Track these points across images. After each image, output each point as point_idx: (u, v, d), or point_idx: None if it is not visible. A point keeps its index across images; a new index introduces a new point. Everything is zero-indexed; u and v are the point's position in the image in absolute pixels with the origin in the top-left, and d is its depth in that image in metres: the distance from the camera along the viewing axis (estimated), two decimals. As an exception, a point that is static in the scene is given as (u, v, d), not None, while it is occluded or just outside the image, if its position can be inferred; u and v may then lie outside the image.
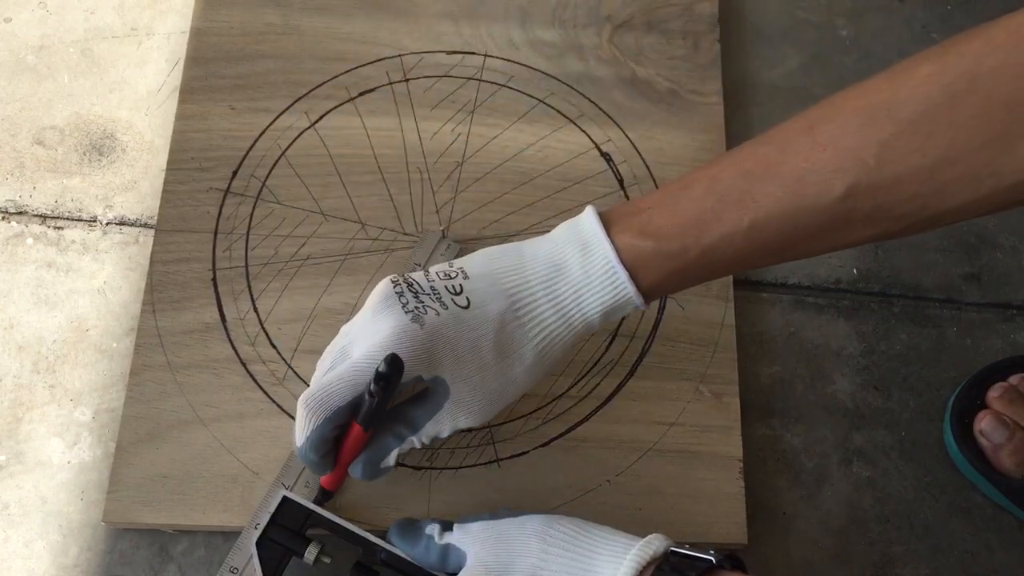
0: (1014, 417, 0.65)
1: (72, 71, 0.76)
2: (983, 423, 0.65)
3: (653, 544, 0.50)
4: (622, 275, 0.52)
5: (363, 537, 0.57)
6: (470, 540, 0.53)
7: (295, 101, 0.73)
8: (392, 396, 0.52)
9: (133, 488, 0.61)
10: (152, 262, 0.67)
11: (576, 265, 0.53)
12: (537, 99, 0.75)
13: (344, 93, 0.74)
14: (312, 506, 0.58)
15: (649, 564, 0.49)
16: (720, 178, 0.51)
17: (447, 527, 0.55)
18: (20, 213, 0.71)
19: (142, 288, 0.67)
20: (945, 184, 0.47)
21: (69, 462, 0.63)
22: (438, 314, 0.53)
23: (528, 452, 0.64)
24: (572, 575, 0.50)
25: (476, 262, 0.55)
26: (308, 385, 0.64)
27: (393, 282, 0.54)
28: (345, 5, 0.77)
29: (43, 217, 0.71)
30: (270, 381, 0.64)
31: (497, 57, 0.76)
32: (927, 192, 0.47)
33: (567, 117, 0.74)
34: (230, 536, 0.61)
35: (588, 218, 0.54)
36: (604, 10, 0.78)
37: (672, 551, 0.50)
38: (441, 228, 0.70)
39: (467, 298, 0.54)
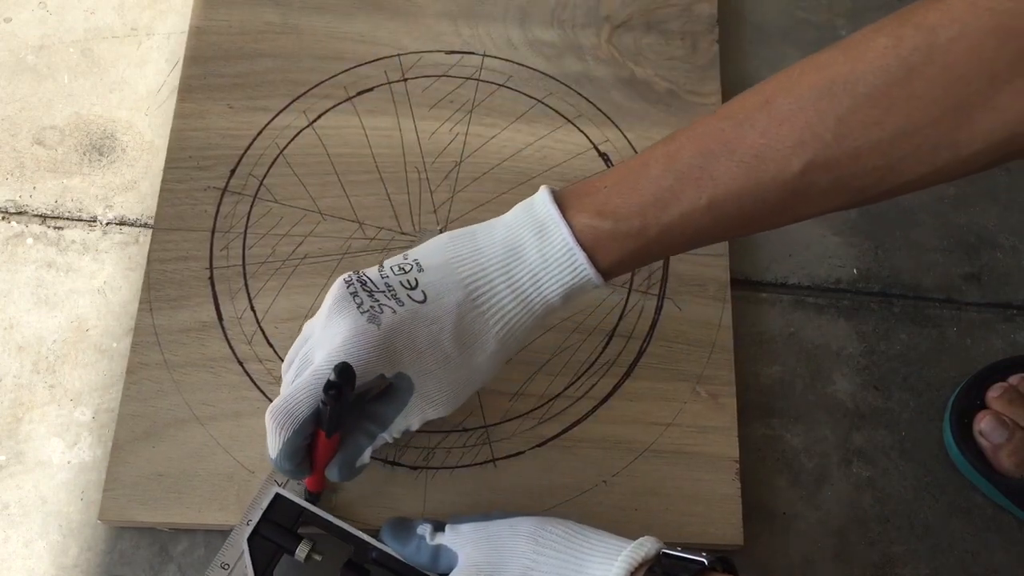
0: (1014, 417, 0.64)
1: (72, 71, 0.76)
2: (983, 423, 0.65)
3: (645, 546, 0.50)
4: (580, 257, 0.52)
5: (355, 535, 0.57)
6: (461, 541, 0.53)
7: (293, 100, 0.73)
8: (348, 401, 0.52)
9: (129, 486, 0.61)
10: (149, 260, 0.67)
11: (533, 249, 0.53)
12: (535, 99, 0.75)
13: (342, 92, 0.74)
14: (304, 503, 0.58)
15: (641, 566, 0.49)
16: (678, 156, 0.51)
17: (439, 527, 0.55)
18: (20, 213, 0.71)
19: (141, 288, 0.67)
20: (903, 157, 0.47)
21: (69, 462, 0.64)
22: (394, 311, 0.53)
23: (524, 452, 0.64)
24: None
25: (430, 251, 0.55)
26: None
27: (347, 282, 0.54)
28: (344, 5, 0.77)
29: (43, 217, 0.71)
30: (267, 380, 0.64)
31: (496, 57, 0.76)
32: (885, 165, 0.47)
33: (565, 117, 0.74)
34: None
35: (542, 199, 0.53)
36: (603, 10, 0.78)
37: (664, 553, 0.50)
38: (439, 228, 0.70)
39: (423, 292, 0.53)
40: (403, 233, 0.70)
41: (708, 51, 0.77)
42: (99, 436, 0.64)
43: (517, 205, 0.54)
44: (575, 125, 0.74)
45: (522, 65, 0.76)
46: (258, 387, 0.64)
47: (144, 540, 0.62)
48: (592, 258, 0.52)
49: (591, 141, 0.74)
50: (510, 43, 0.77)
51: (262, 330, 0.66)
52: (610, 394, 0.66)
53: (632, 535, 0.61)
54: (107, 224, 0.71)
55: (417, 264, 0.54)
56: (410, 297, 0.53)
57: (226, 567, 0.57)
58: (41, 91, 0.75)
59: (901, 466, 0.67)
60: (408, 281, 0.54)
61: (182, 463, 0.62)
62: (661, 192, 0.51)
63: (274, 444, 0.53)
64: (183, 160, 0.71)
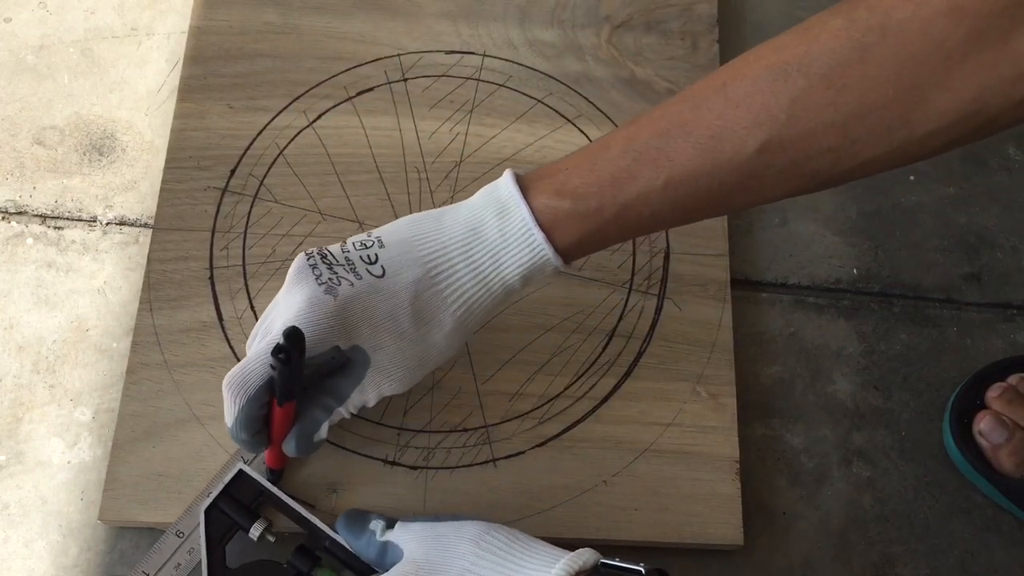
0: (1013, 417, 0.64)
1: (72, 71, 0.76)
2: (982, 423, 0.65)
3: (583, 555, 0.49)
4: (538, 237, 0.53)
5: (310, 521, 0.58)
6: (408, 538, 0.54)
7: (293, 100, 0.73)
8: (299, 368, 0.52)
9: (129, 486, 0.61)
10: (149, 260, 0.67)
11: (493, 229, 0.53)
12: (535, 99, 0.75)
13: (342, 92, 0.74)
14: (266, 483, 0.59)
15: (578, 574, 0.49)
16: (637, 137, 0.51)
17: (391, 524, 0.55)
18: (20, 213, 0.71)
19: (141, 288, 0.67)
20: (858, 138, 0.47)
21: (69, 462, 0.64)
22: (352, 284, 0.53)
23: (524, 452, 0.64)
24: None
25: (394, 229, 0.55)
26: (306, 385, 0.65)
27: (307, 255, 0.54)
28: (344, 4, 0.77)
29: (43, 217, 0.71)
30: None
31: (496, 57, 0.76)
32: (840, 146, 0.48)
33: (565, 117, 0.74)
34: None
35: (506, 181, 0.54)
36: (603, 10, 0.78)
37: (603, 563, 0.49)
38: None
39: (382, 267, 0.54)
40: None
41: (708, 51, 0.77)
42: (99, 436, 0.64)
43: (482, 188, 0.55)
44: (575, 125, 0.74)
45: (522, 65, 0.76)
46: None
47: (144, 540, 0.62)
48: (550, 238, 0.53)
49: (591, 141, 0.74)
50: (510, 43, 0.77)
51: (262, 330, 0.66)
52: (610, 394, 0.66)
53: (632, 535, 0.61)
54: (107, 224, 0.71)
55: (379, 241, 0.55)
56: (369, 271, 0.54)
57: (181, 535, 0.58)
58: (41, 91, 0.75)
59: (901, 466, 0.67)
60: (368, 256, 0.54)
61: (182, 463, 0.62)
62: (619, 172, 0.51)
63: (230, 413, 0.54)
64: (183, 160, 0.71)
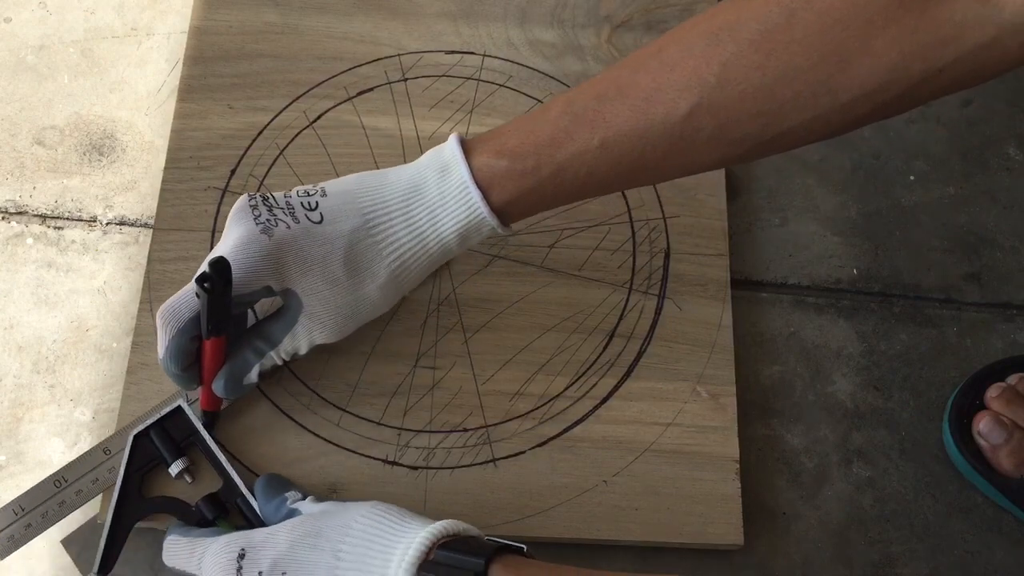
0: (1012, 417, 0.64)
1: (72, 71, 0.76)
2: (981, 424, 0.65)
3: (461, 524, 0.50)
4: (475, 194, 0.54)
5: (229, 474, 0.59)
6: (310, 508, 0.54)
7: (294, 100, 0.73)
8: (226, 302, 0.53)
9: (130, 487, 0.61)
10: (150, 260, 0.67)
11: (433, 187, 0.55)
12: (536, 99, 0.75)
13: (343, 92, 0.74)
14: (198, 425, 0.60)
15: (447, 537, 0.49)
16: (575, 100, 0.53)
17: (306, 497, 0.56)
18: (20, 213, 0.71)
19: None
20: (784, 102, 0.49)
21: (69, 462, 0.63)
22: (288, 227, 0.54)
23: (525, 452, 0.64)
24: (380, 531, 0.50)
25: (339, 182, 0.57)
26: (306, 386, 0.65)
27: (249, 196, 0.56)
28: (344, 4, 0.77)
29: (43, 217, 0.71)
30: (267, 380, 0.64)
31: (496, 57, 0.76)
32: (767, 111, 0.49)
33: (566, 116, 0.74)
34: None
35: (450, 143, 0.55)
36: (603, 10, 0.78)
37: (473, 536, 0.50)
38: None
39: (321, 214, 0.55)
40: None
41: (708, 51, 0.77)
42: (99, 436, 0.64)
43: (430, 150, 0.57)
44: (575, 125, 0.74)
45: (522, 65, 0.76)
46: (258, 387, 0.64)
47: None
48: (487, 196, 0.54)
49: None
50: (510, 43, 0.77)
51: (262, 330, 0.66)
52: (610, 394, 0.66)
53: (632, 535, 0.62)
54: (107, 224, 0.71)
55: (322, 190, 0.56)
56: (307, 216, 0.55)
57: (107, 452, 0.60)
58: (41, 91, 0.75)
59: (901, 466, 0.67)
60: (309, 203, 0.56)
61: (182, 463, 0.62)
62: (556, 133, 0.53)
63: (161, 344, 0.55)
64: (183, 160, 0.71)
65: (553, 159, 0.53)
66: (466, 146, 0.55)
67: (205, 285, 0.51)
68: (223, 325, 0.55)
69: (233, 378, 0.57)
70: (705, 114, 0.50)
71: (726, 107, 0.50)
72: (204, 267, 0.52)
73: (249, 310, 0.60)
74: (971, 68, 0.47)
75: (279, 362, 0.58)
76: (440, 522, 0.49)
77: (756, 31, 0.49)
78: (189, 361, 0.56)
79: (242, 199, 0.56)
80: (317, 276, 0.55)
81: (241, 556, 0.51)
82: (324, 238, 0.55)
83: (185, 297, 0.54)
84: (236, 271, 0.53)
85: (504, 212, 0.56)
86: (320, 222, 0.55)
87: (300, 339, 0.57)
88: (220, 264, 0.52)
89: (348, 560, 0.49)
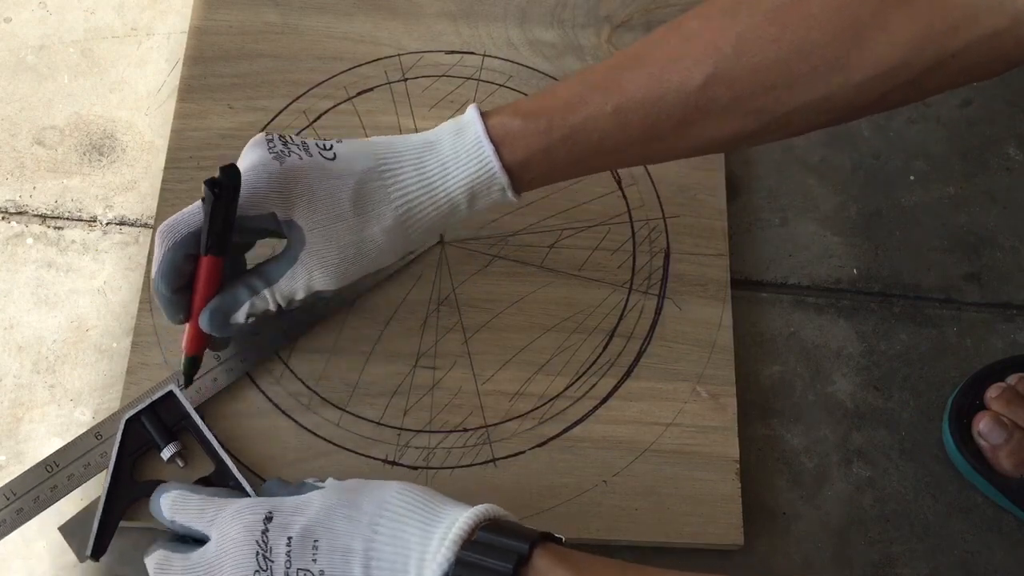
0: (1012, 418, 0.64)
1: (72, 71, 0.76)
2: (981, 424, 0.65)
3: (500, 510, 0.50)
4: (487, 148, 0.54)
5: (221, 458, 0.59)
6: (337, 483, 0.53)
7: (293, 100, 0.73)
8: (231, 217, 0.52)
9: (130, 487, 0.61)
10: (150, 261, 0.67)
11: (448, 143, 0.56)
12: (536, 99, 0.75)
13: (343, 92, 0.74)
14: (191, 410, 0.60)
15: (488, 520, 0.49)
16: (593, 71, 0.55)
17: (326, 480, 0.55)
18: (20, 213, 0.71)
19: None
20: (799, 76, 0.50)
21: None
22: (300, 158, 0.55)
23: (525, 452, 0.64)
24: (419, 509, 0.50)
25: (359, 140, 0.57)
26: (306, 386, 0.65)
27: (267, 133, 0.56)
28: (344, 4, 0.77)
29: (43, 217, 0.71)
30: (267, 380, 0.64)
31: (496, 57, 0.76)
32: (781, 84, 0.50)
33: (566, 116, 0.74)
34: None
35: (470, 110, 0.56)
36: (603, 10, 0.78)
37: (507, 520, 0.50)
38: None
39: (334, 153, 0.56)
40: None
41: (708, 51, 0.77)
42: (99, 436, 0.64)
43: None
44: (575, 125, 0.74)
45: (522, 65, 0.76)
46: (258, 387, 0.64)
47: (144, 540, 0.61)
48: (499, 152, 0.55)
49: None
50: (510, 43, 0.77)
51: (262, 330, 0.66)
52: (610, 394, 0.66)
53: (632, 535, 0.62)
54: (107, 224, 0.71)
55: (339, 141, 0.57)
56: (321, 153, 0.55)
57: (99, 437, 0.61)
58: (41, 91, 0.75)
59: (901, 466, 0.67)
60: (324, 144, 0.56)
61: (182, 463, 0.62)
62: (571, 97, 0.54)
63: (156, 261, 0.54)
64: (183, 160, 0.71)
65: (566, 121, 0.54)
66: (484, 113, 0.56)
67: (214, 189, 0.51)
68: (223, 245, 0.54)
69: (221, 311, 0.56)
70: (720, 84, 0.51)
71: (741, 78, 0.51)
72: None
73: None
74: (982, 57, 0.48)
75: (272, 306, 0.56)
76: (483, 505, 0.49)
77: (773, 5, 0.50)
78: (181, 283, 0.55)
79: (259, 135, 0.56)
80: (323, 209, 0.54)
81: (268, 519, 0.50)
82: (335, 173, 0.55)
83: (187, 213, 0.54)
84: (244, 190, 0.53)
85: (515, 173, 0.55)
86: (333, 159, 0.55)
87: (298, 280, 0.55)
88: (231, 170, 0.51)
89: (385, 535, 0.49)
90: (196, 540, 0.54)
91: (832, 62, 0.49)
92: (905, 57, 0.48)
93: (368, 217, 0.55)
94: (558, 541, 0.49)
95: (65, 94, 0.75)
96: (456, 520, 0.48)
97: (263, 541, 0.50)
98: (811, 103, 0.51)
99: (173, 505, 0.54)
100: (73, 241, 0.70)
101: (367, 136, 0.72)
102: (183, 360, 0.59)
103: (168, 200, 0.69)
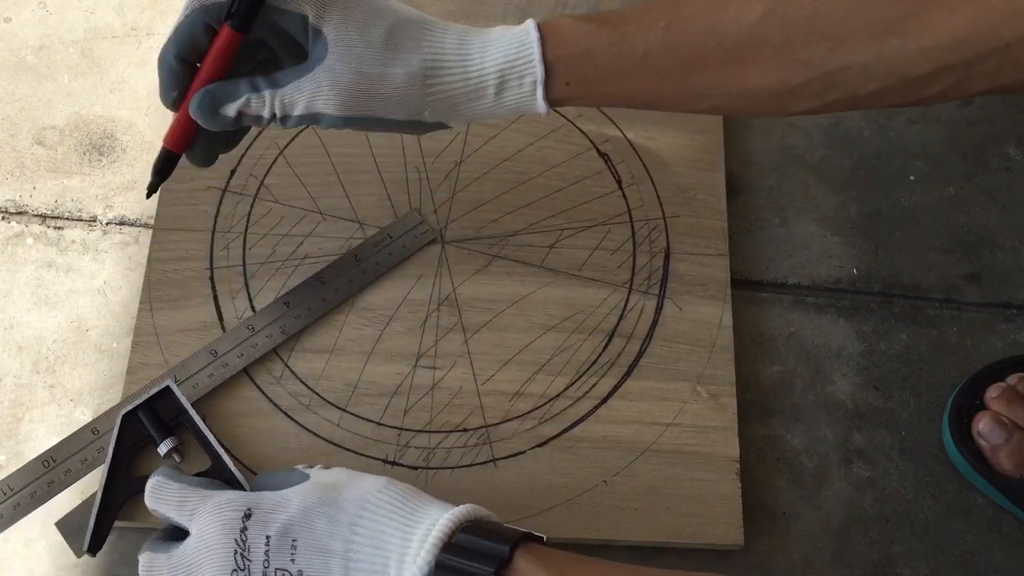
0: (1012, 418, 0.64)
1: (72, 71, 0.76)
2: (981, 424, 0.65)
3: (482, 510, 0.49)
4: (532, 35, 0.53)
5: (218, 453, 0.59)
6: (321, 474, 0.52)
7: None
8: None
9: (130, 487, 0.61)
10: (150, 260, 0.67)
11: (497, 30, 0.55)
12: (536, 98, 0.75)
13: (343, 93, 0.74)
14: (187, 405, 0.60)
15: (469, 521, 0.48)
16: (652, 0, 0.54)
17: (314, 465, 0.54)
18: (20, 213, 0.71)
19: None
20: (855, 31, 0.50)
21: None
22: None
23: (525, 452, 0.64)
24: (399, 509, 0.49)
25: None
26: (306, 386, 0.65)
27: None
28: (344, 5, 0.77)
29: (43, 217, 0.71)
30: (267, 380, 0.64)
31: (496, 56, 0.76)
32: (836, 35, 0.50)
33: (565, 117, 0.74)
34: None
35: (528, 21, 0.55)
36: (603, 9, 0.78)
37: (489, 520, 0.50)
38: (439, 228, 0.70)
39: None
40: (395, 220, 0.69)
41: (708, 51, 0.77)
42: (99, 436, 0.64)
43: None
44: (575, 125, 0.74)
45: (522, 65, 0.76)
46: (258, 387, 0.64)
47: (144, 541, 0.62)
48: (544, 43, 0.53)
49: (591, 141, 0.74)
50: (510, 43, 0.76)
51: (262, 330, 0.66)
52: (610, 394, 0.66)
53: (632, 535, 0.61)
54: (107, 224, 0.71)
55: None
56: None
57: (96, 432, 0.61)
58: (41, 91, 0.75)
59: (901, 466, 0.67)
60: None
61: (182, 463, 0.62)
62: (626, 12, 0.53)
63: (176, 24, 0.53)
64: (183, 161, 0.70)
65: (616, 28, 0.53)
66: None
67: None
68: (247, 20, 0.52)
69: (214, 97, 0.53)
70: (775, 24, 0.51)
71: (797, 21, 0.50)
72: None
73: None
74: None
75: (267, 113, 0.53)
76: (463, 506, 0.49)
77: None
78: (192, 55, 0.54)
79: None
80: (356, 28, 0.52)
81: (247, 516, 0.50)
82: (378, 4, 0.53)
83: None
84: None
85: (552, 69, 0.53)
86: None
87: (304, 91, 0.53)
88: None
89: (364, 535, 0.48)
90: (184, 532, 0.53)
91: (890, 24, 0.49)
92: (961, 36, 0.48)
93: (395, 56, 0.53)
94: (540, 541, 0.48)
95: (65, 94, 0.75)
96: (436, 522, 0.47)
97: (241, 540, 0.49)
98: (859, 65, 0.50)
99: (153, 493, 0.54)
100: (73, 241, 0.70)
101: (367, 136, 0.72)
102: (158, 154, 0.57)
103: (168, 200, 0.69)
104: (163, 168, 0.58)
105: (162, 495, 0.53)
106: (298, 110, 0.53)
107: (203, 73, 0.54)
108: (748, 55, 0.52)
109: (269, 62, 0.57)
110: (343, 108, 0.53)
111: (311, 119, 0.54)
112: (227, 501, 0.51)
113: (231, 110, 0.54)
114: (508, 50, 0.53)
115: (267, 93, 0.53)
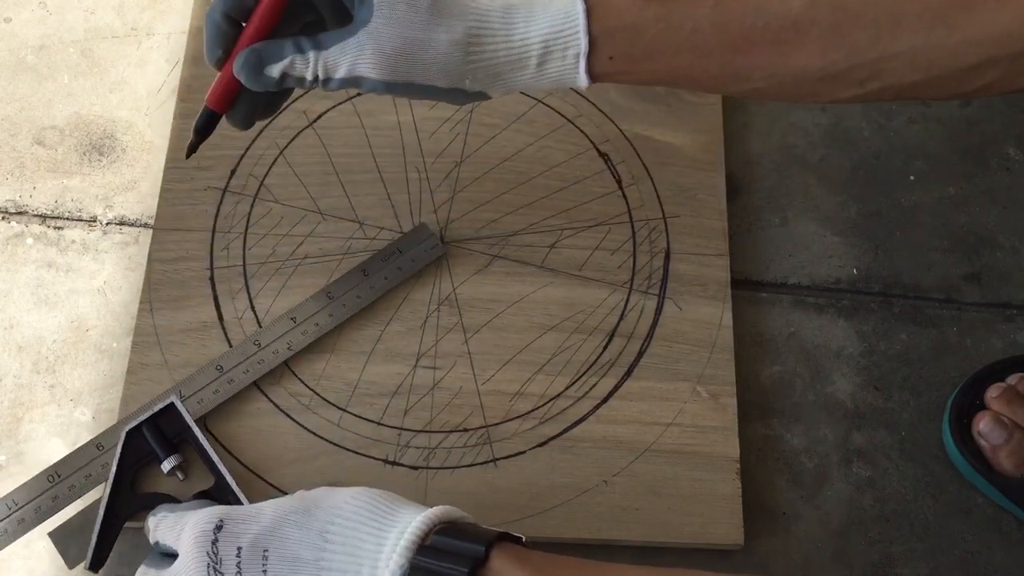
0: (1013, 418, 0.64)
1: (72, 71, 0.76)
2: (981, 424, 0.65)
3: (457, 511, 0.49)
4: (579, 6, 0.52)
5: (221, 473, 0.59)
6: (301, 492, 0.52)
7: (294, 100, 0.73)
8: None
9: (130, 487, 0.61)
10: (150, 260, 0.67)
11: (545, 1, 0.53)
12: (535, 99, 0.75)
13: (343, 92, 0.74)
14: (191, 423, 0.60)
15: (444, 523, 0.48)
16: None
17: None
18: (20, 213, 0.71)
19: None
20: (902, 18, 0.50)
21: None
22: None
23: (525, 452, 0.64)
24: (372, 514, 0.48)
25: None
26: (306, 386, 0.65)
27: None
28: (344, 5, 0.77)
29: (43, 217, 0.71)
30: (267, 380, 0.64)
31: (496, 56, 0.76)
32: (884, 21, 0.50)
33: (565, 117, 0.74)
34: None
35: None
36: None
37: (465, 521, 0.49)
38: (439, 228, 0.70)
39: None
40: (404, 233, 0.70)
41: (708, 51, 0.77)
42: (99, 436, 0.64)
43: None
44: (575, 125, 0.74)
45: (522, 65, 0.76)
46: (259, 387, 0.64)
47: (144, 540, 0.61)
48: (589, 16, 0.52)
49: (591, 141, 0.74)
50: (510, 43, 0.76)
51: (262, 330, 0.66)
52: (610, 394, 0.66)
53: (632, 535, 0.61)
54: (107, 224, 0.71)
55: None
56: None
57: (100, 448, 0.61)
58: (41, 91, 0.75)
59: (901, 466, 0.67)
60: None
61: (182, 463, 0.62)
62: None
63: None
64: (183, 160, 0.70)
65: (663, 3, 0.52)
66: None
67: None
68: None
69: (259, 56, 0.53)
70: (825, 7, 0.50)
71: (846, 6, 0.50)
72: None
73: None
74: None
75: (310, 75, 0.53)
76: (437, 507, 0.48)
77: None
78: (238, 14, 0.53)
79: None
80: None
81: (218, 528, 0.49)
82: None
83: None
84: None
85: (597, 42, 0.53)
86: None
87: (348, 54, 0.52)
88: None
89: (336, 542, 0.48)
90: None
91: (939, 13, 0.49)
92: (1009, 29, 0.48)
93: (440, 22, 0.52)
94: (518, 540, 0.48)
95: (65, 94, 0.75)
96: (409, 524, 0.47)
97: (213, 552, 0.49)
98: (906, 53, 0.50)
99: (158, 528, 0.54)
100: (73, 241, 0.70)
101: (367, 136, 0.72)
102: (199, 113, 0.57)
103: (168, 200, 0.69)
104: (204, 128, 0.57)
105: (163, 528, 0.54)
106: (340, 73, 0.53)
107: (249, 32, 0.54)
108: (796, 37, 0.51)
109: (314, 25, 0.56)
110: (385, 72, 0.53)
111: (353, 83, 0.54)
112: (202, 516, 0.50)
113: (275, 71, 0.53)
114: (554, 20, 0.52)
115: (311, 54, 0.53)
